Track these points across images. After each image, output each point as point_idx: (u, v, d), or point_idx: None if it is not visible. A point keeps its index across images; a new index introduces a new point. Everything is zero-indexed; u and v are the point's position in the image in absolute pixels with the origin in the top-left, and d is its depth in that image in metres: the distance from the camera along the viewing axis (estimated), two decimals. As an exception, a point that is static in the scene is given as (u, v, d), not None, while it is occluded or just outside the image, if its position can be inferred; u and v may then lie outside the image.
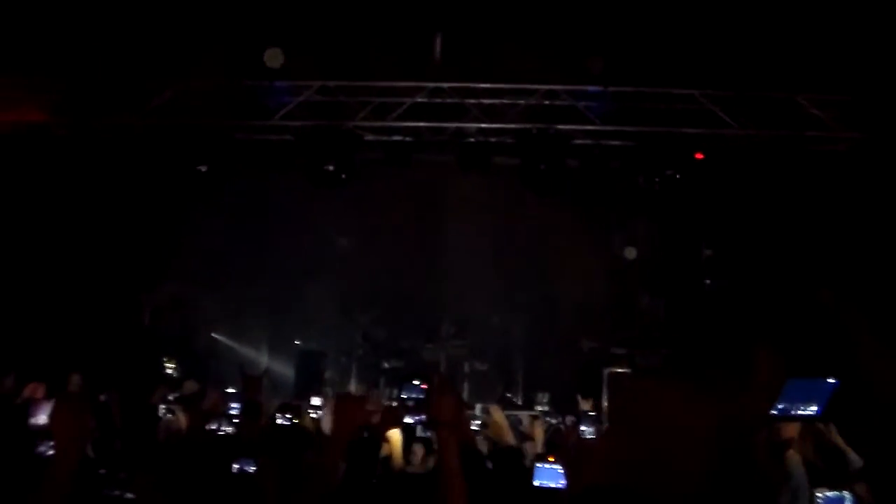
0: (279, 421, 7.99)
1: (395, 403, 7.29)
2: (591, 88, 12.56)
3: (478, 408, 14.61)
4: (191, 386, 10.37)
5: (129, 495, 4.78)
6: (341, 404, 4.21)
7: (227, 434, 7.07)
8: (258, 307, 18.22)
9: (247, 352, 18.85)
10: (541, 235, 15.95)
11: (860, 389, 1.26)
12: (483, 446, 7.34)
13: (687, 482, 1.03)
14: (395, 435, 6.48)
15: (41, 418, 5.94)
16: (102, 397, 7.90)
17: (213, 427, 6.95)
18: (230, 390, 8.31)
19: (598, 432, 7.53)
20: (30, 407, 6.49)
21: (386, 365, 16.48)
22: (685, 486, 1.03)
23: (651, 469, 1.03)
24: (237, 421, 7.38)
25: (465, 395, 16.43)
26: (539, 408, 14.86)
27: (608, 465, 1.07)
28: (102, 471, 5.27)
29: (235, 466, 5.30)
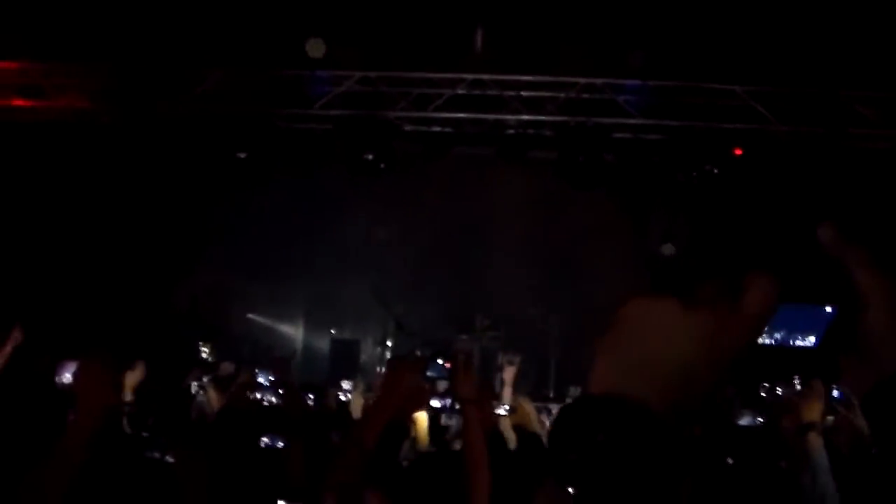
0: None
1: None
2: (630, 82, 12.54)
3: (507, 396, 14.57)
4: (227, 367, 10.49)
5: (169, 458, 4.85)
6: (393, 371, 4.21)
7: (270, 406, 7.17)
8: (295, 295, 18.36)
9: (283, 334, 18.99)
10: (578, 230, 15.92)
11: (857, 319, 1.28)
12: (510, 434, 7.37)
13: (674, 395, 1.06)
14: (421, 417, 6.53)
15: (66, 377, 6.03)
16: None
17: (259, 397, 7.05)
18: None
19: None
20: (56, 367, 6.60)
21: (419, 353, 16.50)
22: (672, 398, 1.06)
23: (642, 379, 1.06)
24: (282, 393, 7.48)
25: (497, 385, 16.40)
26: (570, 401, 14.80)
27: (601, 377, 1.10)
28: (145, 434, 5.34)
29: (265, 440, 5.38)
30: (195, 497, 4.07)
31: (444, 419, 7.45)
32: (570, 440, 1.04)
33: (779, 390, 8.40)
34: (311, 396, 8.31)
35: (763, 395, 8.58)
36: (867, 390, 1.23)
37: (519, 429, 7.27)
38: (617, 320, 1.13)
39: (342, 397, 9.46)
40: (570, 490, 1.03)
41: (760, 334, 1.13)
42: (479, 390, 4.41)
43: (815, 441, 4.13)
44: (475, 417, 3.88)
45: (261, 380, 7.58)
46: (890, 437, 1.20)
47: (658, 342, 1.07)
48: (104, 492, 3.94)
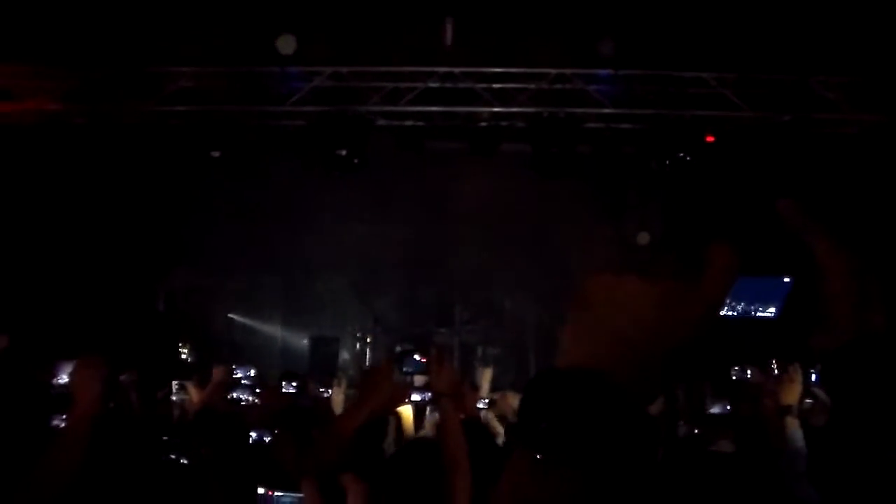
0: (285, 390, 8.10)
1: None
2: (601, 72, 12.60)
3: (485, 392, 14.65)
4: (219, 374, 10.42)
5: (185, 460, 4.87)
6: (367, 380, 4.37)
7: (249, 404, 7.19)
8: (272, 293, 18.34)
9: (262, 332, 18.95)
10: (553, 221, 15.98)
11: (817, 291, 1.32)
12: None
13: (639, 367, 1.10)
14: (405, 409, 6.58)
15: (62, 378, 6.03)
16: (122, 377, 7.99)
17: (235, 396, 7.07)
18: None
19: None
20: (53, 367, 6.60)
21: (398, 349, 16.51)
22: (637, 371, 1.09)
23: (607, 352, 1.10)
24: (259, 391, 7.50)
25: (477, 378, 16.46)
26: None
27: (567, 351, 1.14)
28: (165, 437, 5.36)
29: (253, 435, 5.42)
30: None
31: (429, 411, 7.49)
32: (540, 410, 1.07)
33: (749, 373, 8.47)
34: (293, 385, 8.34)
35: (734, 377, 8.65)
36: (826, 359, 1.27)
37: (504, 420, 7.33)
38: (580, 295, 1.16)
39: (324, 393, 9.45)
40: (539, 457, 1.06)
41: (722, 305, 1.16)
42: (459, 383, 4.52)
43: (793, 424, 4.21)
44: (451, 410, 4.01)
45: (239, 375, 7.59)
46: (847, 404, 1.23)
47: (621, 316, 1.10)
48: (123, 494, 3.98)
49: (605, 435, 1.04)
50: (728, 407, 7.79)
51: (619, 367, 1.08)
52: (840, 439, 1.30)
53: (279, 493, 4.17)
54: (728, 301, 1.23)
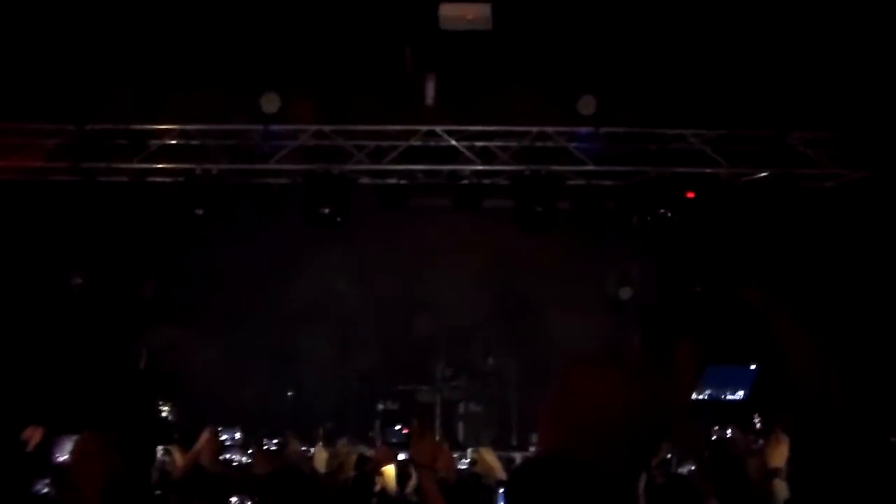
0: (265, 446, 8.07)
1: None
2: (582, 130, 12.72)
3: (469, 451, 14.60)
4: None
5: None
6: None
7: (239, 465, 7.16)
8: (255, 350, 18.22)
9: (245, 390, 18.78)
10: (536, 277, 16.00)
11: (781, 374, 1.37)
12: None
13: (617, 453, 1.15)
14: (388, 469, 6.62)
15: (62, 455, 6.00)
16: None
17: (228, 457, 7.04)
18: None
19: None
20: (52, 444, 6.55)
21: (381, 407, 16.43)
22: (615, 457, 1.14)
23: (587, 440, 1.14)
24: (251, 451, 7.46)
25: (460, 436, 16.43)
26: (533, 448, 14.80)
27: (550, 439, 1.19)
28: (158, 492, 5.34)
29: (234, 500, 5.39)
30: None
31: (412, 469, 7.50)
32: (525, 500, 1.12)
33: (729, 432, 8.52)
34: (275, 442, 8.31)
35: (713, 437, 8.69)
36: (794, 434, 1.31)
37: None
38: (561, 386, 1.21)
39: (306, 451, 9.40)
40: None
41: (691, 394, 1.21)
42: (438, 453, 4.73)
43: (780, 486, 4.22)
44: (429, 481, 4.22)
45: (224, 437, 7.56)
46: (811, 473, 1.27)
47: (599, 407, 1.15)
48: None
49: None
50: (693, 468, 7.77)
51: (599, 452, 1.12)
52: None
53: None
54: (698, 388, 1.30)
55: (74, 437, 3.43)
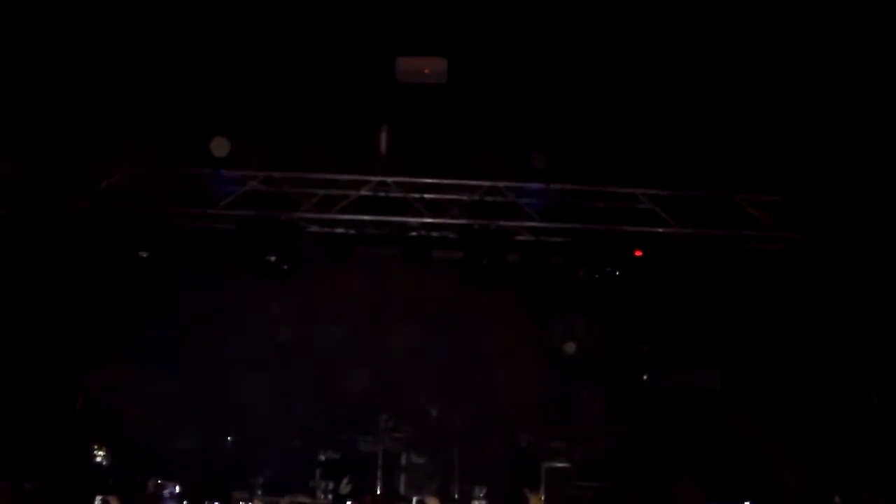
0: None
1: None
2: (532, 185, 12.75)
3: (414, 500, 14.47)
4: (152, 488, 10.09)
5: None
6: None
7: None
8: (196, 395, 17.92)
9: (181, 437, 18.46)
10: (481, 329, 15.98)
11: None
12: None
13: None
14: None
15: None
16: (27, 486, 7.70)
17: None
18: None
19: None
20: None
21: (322, 457, 16.27)
22: None
23: None
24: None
25: (401, 487, 16.31)
26: (476, 503, 14.75)
27: None
28: None
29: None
30: None
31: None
32: None
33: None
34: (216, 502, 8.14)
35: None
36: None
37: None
38: None
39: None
40: None
41: None
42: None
43: None
44: None
45: (165, 493, 7.39)
46: None
47: None
48: None
49: None
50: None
51: None
52: None
53: None
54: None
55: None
